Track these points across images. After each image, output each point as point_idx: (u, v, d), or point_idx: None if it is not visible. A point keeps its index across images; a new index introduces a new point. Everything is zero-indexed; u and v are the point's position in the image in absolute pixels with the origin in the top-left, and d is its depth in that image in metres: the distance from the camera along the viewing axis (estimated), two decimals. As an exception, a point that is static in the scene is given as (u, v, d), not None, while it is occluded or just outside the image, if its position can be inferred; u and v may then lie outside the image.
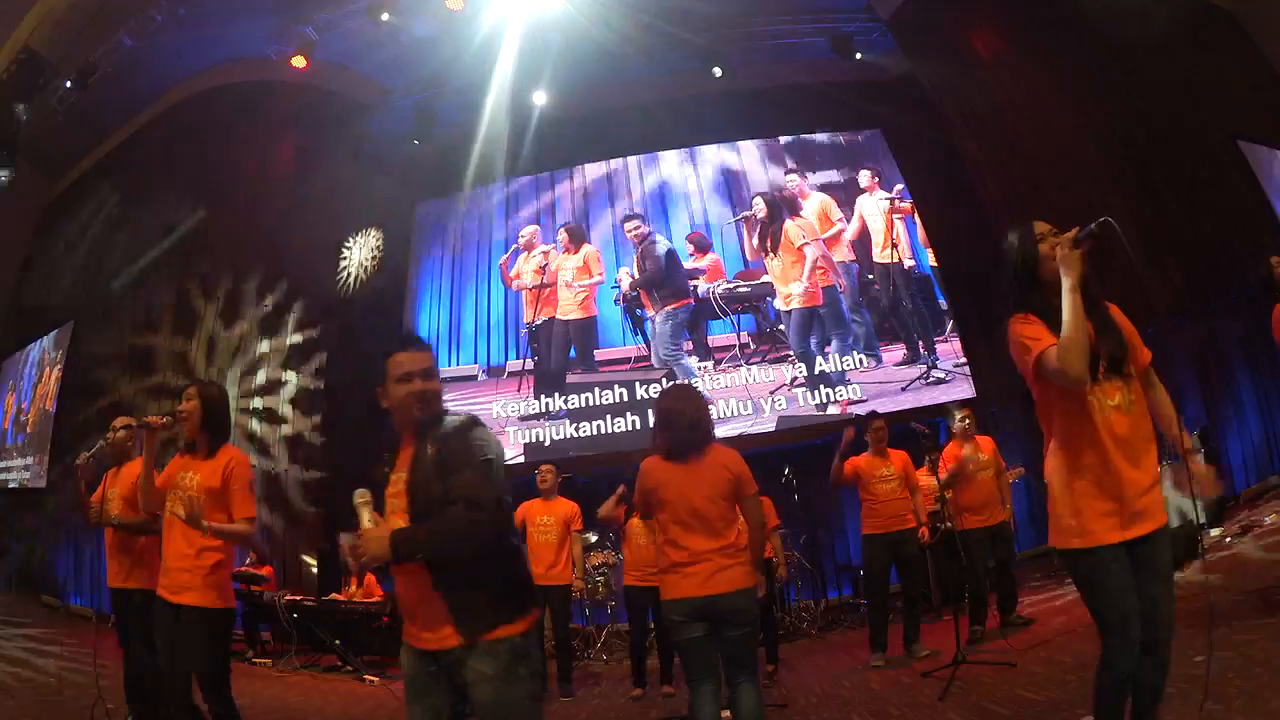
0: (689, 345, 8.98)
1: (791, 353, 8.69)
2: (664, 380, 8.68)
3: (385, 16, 8.31)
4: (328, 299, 9.62)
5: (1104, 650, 1.97)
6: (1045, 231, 2.12)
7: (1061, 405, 2.04)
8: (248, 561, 7.49)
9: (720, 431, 8.28)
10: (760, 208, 9.11)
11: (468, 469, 1.82)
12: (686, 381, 8.19)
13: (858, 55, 9.47)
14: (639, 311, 9.18)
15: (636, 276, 9.11)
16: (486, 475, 1.83)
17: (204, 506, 2.86)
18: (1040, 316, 2.06)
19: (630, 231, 9.27)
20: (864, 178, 9.22)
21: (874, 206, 9.13)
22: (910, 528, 4.99)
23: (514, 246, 9.76)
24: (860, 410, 7.88)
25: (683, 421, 2.87)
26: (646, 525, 4.75)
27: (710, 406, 3.16)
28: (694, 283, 9.14)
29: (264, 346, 9.22)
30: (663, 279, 9.03)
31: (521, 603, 1.91)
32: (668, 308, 8.96)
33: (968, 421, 5.33)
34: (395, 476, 1.93)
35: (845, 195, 9.24)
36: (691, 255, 9.25)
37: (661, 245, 9.18)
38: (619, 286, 9.25)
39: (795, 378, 8.62)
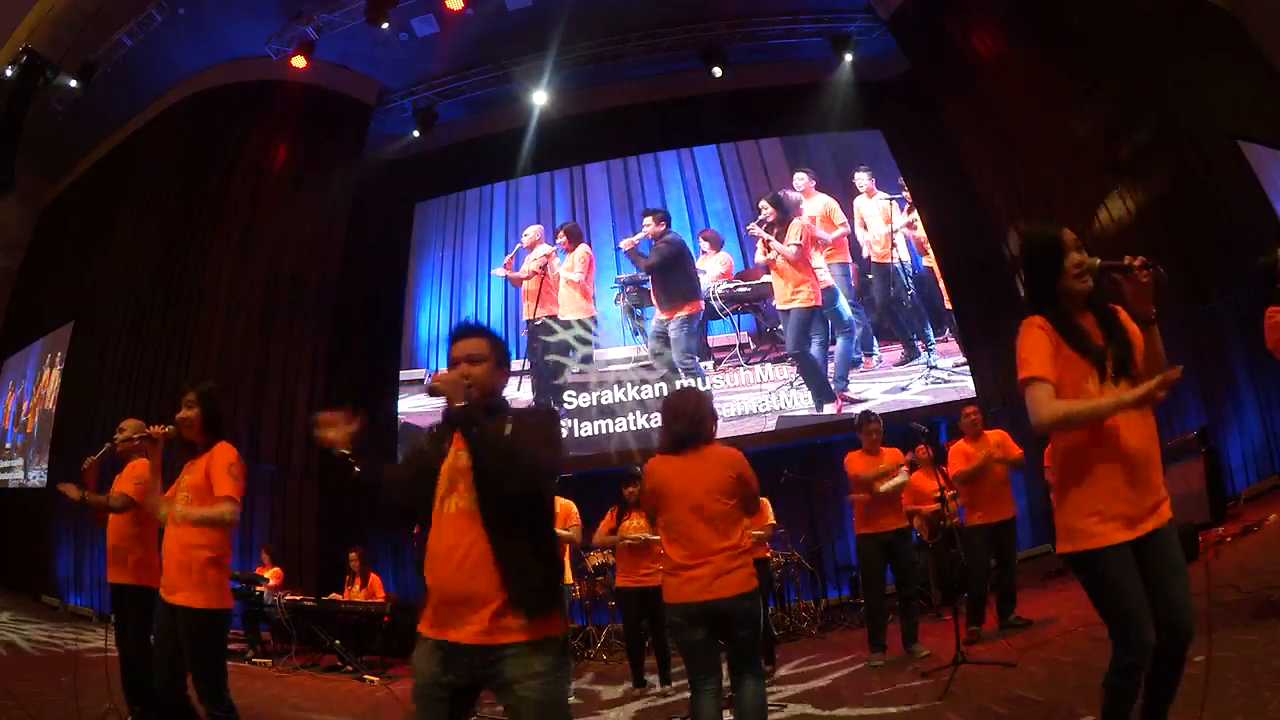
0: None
1: (789, 353, 8.69)
2: (664, 380, 8.69)
3: (385, 26, 8.32)
4: (327, 299, 9.61)
5: (1114, 650, 1.96)
6: (1071, 245, 2.08)
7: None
8: (262, 561, 7.50)
9: (720, 431, 8.29)
10: (768, 210, 9.11)
11: (538, 436, 1.87)
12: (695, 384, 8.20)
13: (855, 56, 9.47)
14: (639, 311, 9.18)
15: (650, 261, 9.12)
16: (553, 443, 1.91)
17: (193, 504, 2.82)
18: (1052, 323, 2.05)
19: (647, 226, 9.27)
20: (860, 180, 9.21)
21: (873, 207, 9.14)
22: (904, 527, 4.98)
23: (518, 245, 9.77)
24: (860, 410, 7.87)
25: (683, 416, 2.87)
26: (643, 527, 4.75)
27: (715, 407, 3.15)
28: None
29: (265, 345, 9.21)
30: (670, 270, 9.03)
31: (562, 600, 1.90)
32: (682, 313, 8.94)
33: (974, 418, 5.31)
34: (455, 452, 1.89)
35: (844, 196, 9.25)
36: (705, 253, 9.26)
37: (676, 241, 9.21)
38: (620, 285, 9.27)
39: (795, 378, 8.62)
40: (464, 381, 1.86)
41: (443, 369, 1.99)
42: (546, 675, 1.76)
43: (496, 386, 1.98)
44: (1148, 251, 2.02)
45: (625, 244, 9.37)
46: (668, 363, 8.87)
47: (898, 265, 8.95)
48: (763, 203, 9.17)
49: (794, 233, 8.86)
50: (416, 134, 10.10)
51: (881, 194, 9.16)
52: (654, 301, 9.12)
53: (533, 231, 9.77)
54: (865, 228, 9.11)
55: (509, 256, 9.74)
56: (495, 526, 1.79)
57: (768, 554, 5.32)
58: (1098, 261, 2.05)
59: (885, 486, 4.78)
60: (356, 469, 1.99)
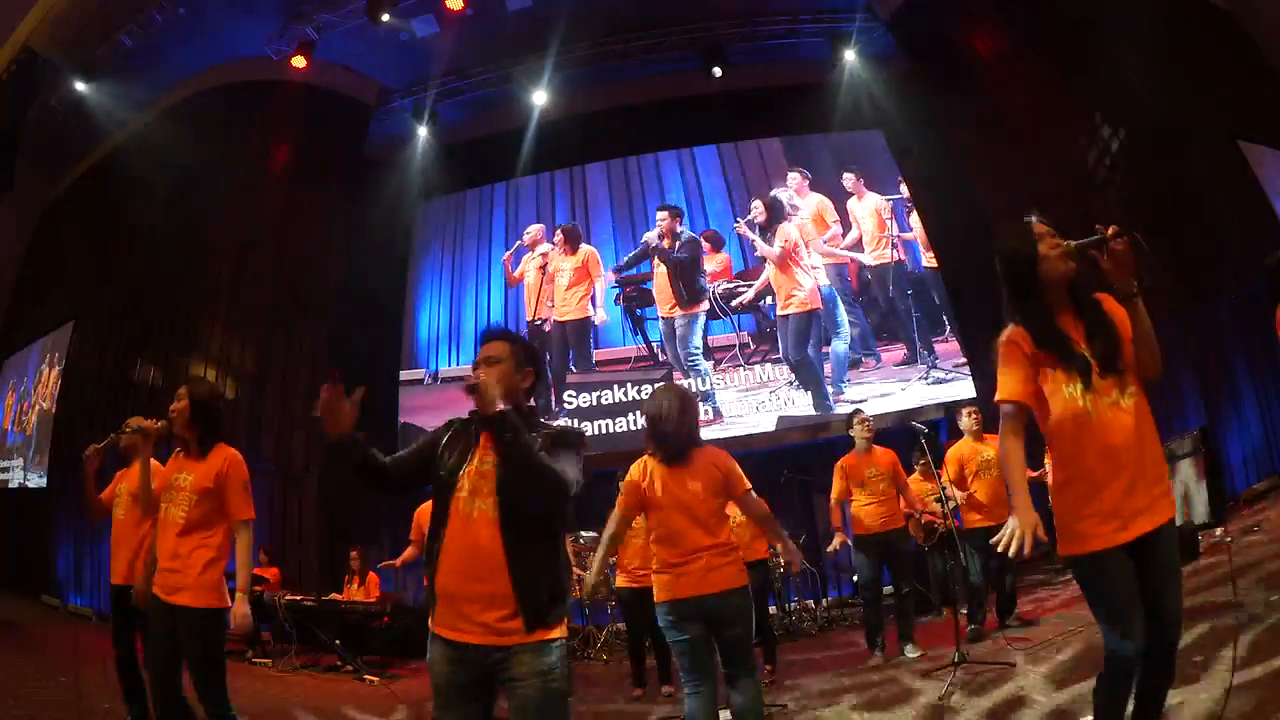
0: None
1: (788, 359, 8.64)
2: (665, 380, 8.68)
3: (385, 17, 8.32)
4: (328, 299, 9.60)
5: (1106, 649, 1.95)
6: (1043, 232, 2.07)
7: (1057, 409, 2.01)
8: (260, 562, 7.49)
9: (720, 432, 8.34)
10: (759, 210, 9.09)
11: (567, 456, 1.94)
12: (687, 383, 8.17)
13: (855, 56, 9.46)
14: (639, 311, 9.17)
15: (668, 261, 9.07)
16: (578, 466, 1.95)
17: (197, 506, 2.83)
18: (1030, 330, 2.04)
19: (662, 222, 9.20)
20: (849, 181, 9.15)
21: (868, 207, 9.11)
22: (899, 527, 4.99)
23: (518, 243, 9.77)
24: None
25: (663, 420, 2.86)
26: (638, 527, 4.74)
27: (699, 406, 3.15)
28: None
29: (265, 345, 9.20)
30: (693, 272, 8.99)
31: (565, 607, 1.98)
32: (689, 311, 8.88)
33: (974, 419, 5.32)
34: (482, 456, 1.96)
35: (843, 196, 9.23)
36: (706, 253, 9.23)
37: (690, 238, 9.17)
38: (619, 286, 9.26)
39: (795, 378, 8.61)
40: (498, 385, 1.89)
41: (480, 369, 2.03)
42: (548, 674, 1.85)
43: (518, 386, 2.03)
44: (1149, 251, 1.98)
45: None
46: (675, 359, 8.84)
47: (897, 265, 8.94)
48: (755, 201, 9.16)
49: (780, 234, 8.82)
50: (421, 133, 10.09)
51: (876, 194, 9.13)
52: (659, 299, 9.06)
53: (534, 230, 9.76)
54: (862, 228, 9.08)
55: (508, 254, 9.75)
56: (513, 534, 1.87)
57: (766, 555, 5.31)
58: (1072, 243, 2.02)
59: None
60: (362, 455, 1.97)
